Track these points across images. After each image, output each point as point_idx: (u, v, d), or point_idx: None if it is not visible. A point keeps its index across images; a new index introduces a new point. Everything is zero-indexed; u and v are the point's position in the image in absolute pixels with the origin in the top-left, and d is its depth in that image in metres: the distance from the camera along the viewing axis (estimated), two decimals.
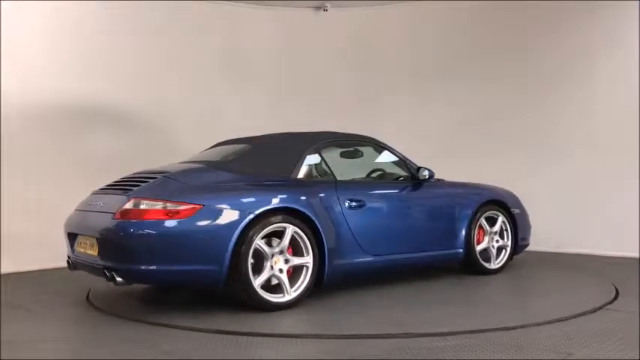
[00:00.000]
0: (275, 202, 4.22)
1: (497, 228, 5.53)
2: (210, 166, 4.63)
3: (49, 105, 6.45)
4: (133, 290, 5.05)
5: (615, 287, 4.83)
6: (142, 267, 3.91)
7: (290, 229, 4.22)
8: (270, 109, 7.82)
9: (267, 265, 4.15)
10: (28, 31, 6.35)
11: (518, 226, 5.68)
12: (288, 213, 4.25)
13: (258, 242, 4.10)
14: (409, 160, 5.32)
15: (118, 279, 3.96)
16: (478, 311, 4.28)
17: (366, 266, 4.75)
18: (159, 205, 3.97)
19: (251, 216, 4.07)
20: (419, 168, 5.24)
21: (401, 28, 8.02)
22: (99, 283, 5.31)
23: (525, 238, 5.84)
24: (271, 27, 7.98)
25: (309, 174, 4.77)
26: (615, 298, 4.53)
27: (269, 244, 4.21)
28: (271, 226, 4.16)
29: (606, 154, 6.78)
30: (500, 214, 5.55)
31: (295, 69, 8.01)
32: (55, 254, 6.21)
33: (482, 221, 5.42)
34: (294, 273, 4.32)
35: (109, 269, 3.98)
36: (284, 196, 4.30)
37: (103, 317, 4.26)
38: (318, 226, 4.35)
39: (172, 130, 7.26)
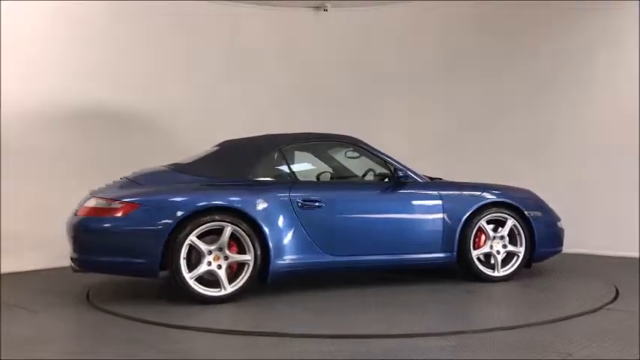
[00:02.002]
0: (211, 201, 4.47)
1: (503, 232, 5.13)
2: (173, 168, 4.97)
3: (49, 105, 6.44)
4: (133, 290, 5.05)
5: (615, 287, 4.83)
6: (90, 258, 4.53)
7: (229, 228, 4.43)
8: (271, 109, 7.81)
9: (204, 261, 4.40)
10: (28, 31, 6.34)
11: (536, 231, 5.18)
12: (228, 212, 4.46)
13: (192, 239, 4.38)
14: (392, 160, 5.14)
15: (75, 266, 4.58)
16: (469, 312, 4.27)
17: (323, 266, 4.78)
18: (106, 204, 4.48)
19: (184, 214, 4.36)
20: (396, 168, 5.06)
21: (401, 28, 8.02)
22: (99, 283, 5.33)
23: (549, 245, 5.33)
24: (271, 27, 7.98)
25: (267, 175, 4.94)
26: (615, 298, 4.53)
27: (214, 242, 4.44)
28: (206, 224, 4.41)
29: (606, 154, 6.77)
30: (509, 217, 5.14)
31: (295, 69, 8.00)
32: (54, 254, 6.22)
33: (483, 224, 5.08)
34: (240, 269, 4.53)
35: (72, 259, 4.60)
36: (224, 195, 4.54)
37: (103, 317, 4.26)
38: (261, 224, 4.50)
39: (172, 130, 7.26)
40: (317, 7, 8.02)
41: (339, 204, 4.88)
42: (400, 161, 5.22)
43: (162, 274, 4.50)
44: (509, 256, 5.16)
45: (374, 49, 8.09)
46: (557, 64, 7.16)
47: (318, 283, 5.10)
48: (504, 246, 5.15)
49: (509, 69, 7.44)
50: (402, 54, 8.02)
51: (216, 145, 5.41)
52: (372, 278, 5.31)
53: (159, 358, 3.29)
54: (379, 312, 4.26)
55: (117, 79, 6.88)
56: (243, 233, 4.48)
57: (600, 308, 4.21)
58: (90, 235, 4.48)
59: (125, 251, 4.41)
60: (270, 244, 4.54)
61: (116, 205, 4.44)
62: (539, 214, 5.26)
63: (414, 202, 5.06)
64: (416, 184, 5.10)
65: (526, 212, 5.17)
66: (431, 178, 5.39)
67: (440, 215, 5.01)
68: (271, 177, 4.96)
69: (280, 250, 4.60)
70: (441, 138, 7.72)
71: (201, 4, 7.52)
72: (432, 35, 7.93)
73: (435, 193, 5.09)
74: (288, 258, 4.64)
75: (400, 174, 5.03)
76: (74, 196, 5.94)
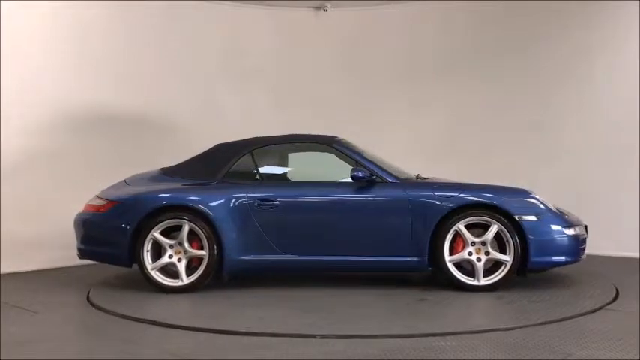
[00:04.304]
0: (171, 201, 4.92)
1: (485, 238, 4.72)
2: (161, 171, 5.44)
3: (49, 105, 6.43)
4: (133, 290, 5.05)
5: (615, 287, 4.83)
6: (86, 247, 5.20)
7: (186, 225, 4.84)
8: (270, 109, 7.81)
9: (166, 254, 4.88)
10: (28, 31, 6.33)
11: (529, 237, 4.68)
12: (187, 211, 4.87)
13: (153, 234, 4.86)
14: (364, 160, 5.03)
15: (79, 255, 5.27)
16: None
17: (281, 264, 4.96)
18: (99, 202, 5.15)
19: (146, 212, 4.87)
20: (364, 169, 4.92)
21: (401, 28, 8.02)
22: (99, 283, 5.34)
23: (550, 253, 4.78)
24: (271, 27, 7.97)
25: (235, 176, 5.18)
26: (615, 298, 4.53)
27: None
28: (166, 221, 4.88)
29: (606, 154, 6.77)
30: (494, 221, 4.70)
31: (295, 69, 8.00)
32: (55, 254, 6.23)
33: (460, 228, 4.73)
34: (199, 264, 4.92)
35: (77, 249, 5.29)
36: (184, 196, 4.97)
37: (103, 317, 4.26)
38: (214, 222, 4.83)
39: (172, 130, 7.25)
40: (317, 7, 8.02)
41: (297, 204, 5.01)
42: (376, 160, 5.17)
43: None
44: (499, 264, 4.77)
45: (374, 49, 8.08)
46: (557, 64, 7.16)
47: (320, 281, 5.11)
48: (487, 253, 4.74)
49: (508, 69, 7.43)
50: (402, 54, 8.02)
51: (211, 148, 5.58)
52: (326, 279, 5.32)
53: (158, 358, 3.29)
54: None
55: (117, 80, 6.88)
56: (199, 230, 4.83)
57: (600, 308, 4.21)
58: (86, 228, 5.17)
59: (105, 242, 5.07)
60: (224, 241, 4.84)
61: (102, 202, 5.12)
62: (533, 218, 4.75)
63: (377, 204, 4.91)
64: (385, 185, 4.94)
65: (516, 216, 4.71)
66: (424, 178, 5.31)
67: (405, 217, 4.81)
68: (239, 178, 5.18)
69: (236, 248, 4.89)
70: (441, 137, 7.72)
71: (200, 4, 7.53)
72: (432, 35, 7.92)
73: (402, 194, 4.86)
74: (244, 255, 4.91)
75: (360, 174, 4.86)
76: (74, 196, 5.97)
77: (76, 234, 5.27)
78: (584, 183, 6.85)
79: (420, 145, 7.67)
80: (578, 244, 4.90)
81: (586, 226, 5.17)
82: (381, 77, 8.01)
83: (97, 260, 5.35)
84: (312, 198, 5.05)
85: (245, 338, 3.61)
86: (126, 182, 5.38)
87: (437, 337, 3.52)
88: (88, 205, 5.23)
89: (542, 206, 4.83)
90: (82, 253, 5.26)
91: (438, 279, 5.06)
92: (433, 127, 7.79)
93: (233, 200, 4.94)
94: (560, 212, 4.97)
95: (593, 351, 3.23)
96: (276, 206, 4.92)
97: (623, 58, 6.74)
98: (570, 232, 4.85)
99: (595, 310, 4.15)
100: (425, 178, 5.35)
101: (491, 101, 7.54)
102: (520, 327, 3.71)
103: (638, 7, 6.59)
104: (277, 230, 4.91)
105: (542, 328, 3.70)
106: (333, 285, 5.08)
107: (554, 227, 4.79)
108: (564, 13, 7.11)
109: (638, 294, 4.61)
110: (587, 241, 5.13)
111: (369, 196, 4.93)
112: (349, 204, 4.98)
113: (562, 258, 4.84)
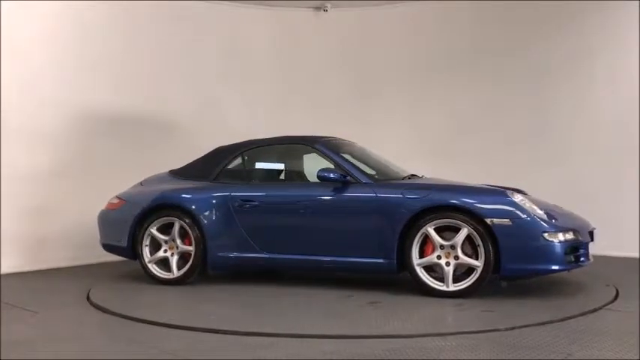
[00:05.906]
0: (163, 199, 5.28)
1: (453, 241, 4.43)
2: (169, 172, 5.78)
3: (49, 105, 6.44)
4: (133, 290, 5.06)
5: (615, 287, 4.82)
6: (102, 241, 5.66)
7: (177, 223, 5.18)
8: (270, 109, 7.82)
9: (162, 249, 5.25)
10: (28, 31, 6.34)
11: (501, 242, 4.32)
12: (178, 209, 5.18)
13: (151, 230, 5.26)
14: (341, 161, 4.99)
15: (103, 248, 5.71)
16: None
17: (259, 262, 5.11)
18: (114, 200, 5.59)
19: (143, 209, 5.27)
20: (323, 169, 4.88)
21: (401, 28, 8.03)
22: (99, 283, 5.34)
23: (526, 261, 4.36)
24: (271, 27, 7.98)
25: (225, 176, 5.43)
26: (615, 298, 4.53)
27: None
28: (161, 219, 5.25)
29: (606, 154, 6.77)
30: (464, 224, 4.39)
31: (295, 69, 8.01)
32: (55, 254, 6.24)
33: (429, 231, 4.48)
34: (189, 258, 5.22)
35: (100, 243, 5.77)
36: (175, 195, 5.27)
37: (103, 317, 4.27)
38: (199, 220, 5.10)
39: (172, 131, 7.27)
40: (317, 7, 8.03)
41: (273, 204, 5.13)
42: (359, 161, 5.18)
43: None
44: (470, 270, 4.47)
45: (374, 49, 8.09)
46: (557, 64, 7.17)
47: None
48: (456, 257, 4.46)
49: (508, 69, 7.45)
50: (402, 54, 8.03)
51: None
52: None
53: (158, 358, 3.29)
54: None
55: (116, 80, 6.89)
56: (187, 228, 5.13)
57: (600, 308, 4.20)
58: (103, 224, 5.64)
59: (115, 237, 5.50)
60: (207, 239, 5.09)
61: (115, 201, 5.56)
62: (507, 221, 4.33)
63: (348, 204, 4.85)
64: (357, 186, 4.85)
65: (487, 219, 4.35)
66: (413, 177, 5.22)
67: (375, 218, 4.69)
68: (229, 178, 5.41)
69: (219, 245, 5.12)
70: (441, 137, 7.73)
71: (200, 4, 7.53)
72: (432, 35, 7.93)
73: (372, 195, 4.74)
74: (226, 252, 5.12)
75: (331, 175, 4.82)
76: (74, 196, 5.97)
77: (98, 230, 5.69)
78: (585, 183, 6.85)
79: (420, 144, 7.68)
80: (565, 251, 4.42)
81: (592, 232, 4.89)
82: (381, 77, 8.02)
83: (113, 253, 5.68)
84: (288, 198, 5.12)
85: (244, 338, 3.61)
86: (141, 183, 5.74)
87: (437, 337, 3.52)
88: (108, 203, 5.66)
89: (519, 209, 4.39)
90: (104, 248, 5.68)
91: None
92: (433, 126, 7.80)
93: (218, 199, 5.18)
94: (549, 215, 4.52)
95: (593, 351, 3.23)
96: (255, 206, 5.08)
97: (624, 58, 6.75)
98: (556, 237, 4.37)
99: (595, 310, 4.14)
100: (418, 178, 5.25)
101: (491, 101, 7.55)
102: (520, 327, 3.71)
103: (638, 7, 6.60)
104: (255, 229, 5.08)
105: (542, 328, 3.70)
106: (319, 285, 5.10)
107: (533, 232, 4.34)
108: (564, 13, 7.12)
109: (638, 294, 4.61)
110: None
111: (341, 197, 4.87)
112: (321, 204, 4.97)
113: (542, 266, 4.40)
